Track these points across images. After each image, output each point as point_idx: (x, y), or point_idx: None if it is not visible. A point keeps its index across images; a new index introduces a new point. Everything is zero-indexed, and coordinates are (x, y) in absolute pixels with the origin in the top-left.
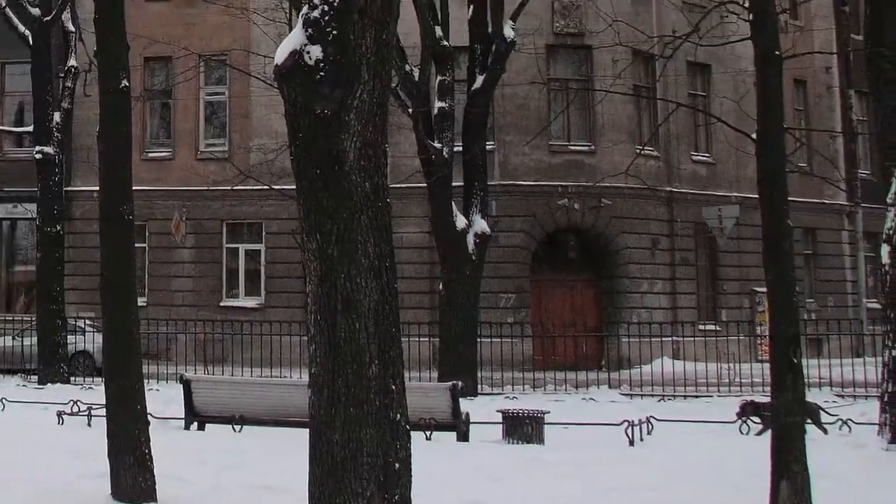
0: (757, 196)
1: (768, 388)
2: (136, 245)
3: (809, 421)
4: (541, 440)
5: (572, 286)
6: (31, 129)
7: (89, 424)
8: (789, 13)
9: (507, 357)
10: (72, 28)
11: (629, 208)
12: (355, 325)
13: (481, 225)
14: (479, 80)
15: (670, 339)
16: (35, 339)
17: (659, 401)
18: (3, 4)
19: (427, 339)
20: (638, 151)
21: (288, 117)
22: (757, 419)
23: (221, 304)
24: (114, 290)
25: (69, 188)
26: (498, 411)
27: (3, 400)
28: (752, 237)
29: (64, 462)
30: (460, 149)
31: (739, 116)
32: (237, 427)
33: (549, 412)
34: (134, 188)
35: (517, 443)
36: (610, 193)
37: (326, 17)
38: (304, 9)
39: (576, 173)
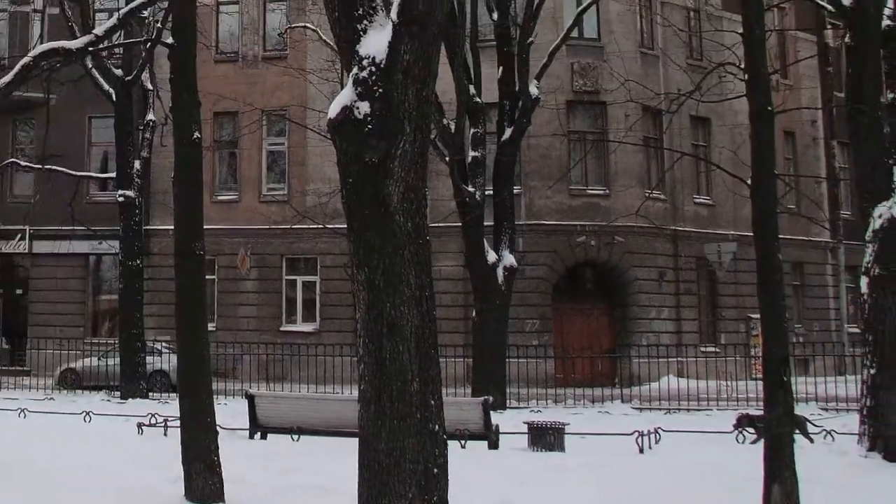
0: (752, 234)
1: (761, 403)
2: (207, 277)
3: (798, 432)
4: (562, 448)
5: (589, 313)
6: (114, 175)
7: (165, 434)
8: (780, 73)
9: (532, 375)
10: (150, 86)
11: (639, 245)
12: (399, 348)
13: (509, 259)
14: (508, 132)
15: (675, 359)
16: (118, 360)
17: (665, 414)
18: (90, 66)
19: (462, 359)
20: (647, 195)
21: (340, 165)
22: (752, 430)
23: (281, 328)
24: (187, 316)
25: (148, 227)
26: (524, 423)
27: (90, 413)
28: (748, 270)
29: (143, 467)
30: (491, 192)
31: (736, 164)
32: (295, 437)
33: (568, 424)
34: (205, 227)
35: (541, 451)
36: (622, 232)
37: (374, 77)
38: (354, 69)
39: (592, 214)
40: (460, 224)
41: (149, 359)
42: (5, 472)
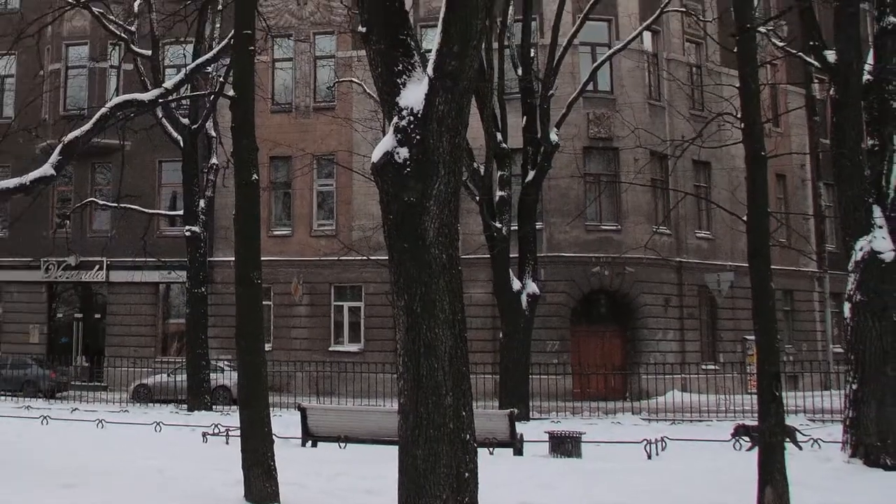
0: (747, 265)
1: (756, 415)
2: (264, 303)
3: (788, 440)
4: (579, 454)
5: (603, 335)
6: (181, 212)
7: (227, 442)
8: (772, 122)
9: (553, 390)
10: (214, 134)
11: (647, 274)
12: (434, 365)
13: (532, 287)
14: (531, 174)
15: (679, 375)
16: (185, 376)
17: (671, 424)
18: (161, 115)
19: (490, 375)
20: (654, 230)
21: (382, 203)
22: (747, 438)
23: (330, 349)
24: (246, 338)
25: (211, 258)
26: (545, 432)
27: (160, 423)
28: (744, 297)
29: (207, 472)
30: (516, 228)
31: (733, 203)
32: (342, 445)
33: (585, 433)
34: (262, 259)
35: (560, 457)
36: (632, 263)
37: (412, 126)
38: (395, 119)
39: (606, 247)
40: (489, 256)
41: (212, 375)
42: (84, 477)
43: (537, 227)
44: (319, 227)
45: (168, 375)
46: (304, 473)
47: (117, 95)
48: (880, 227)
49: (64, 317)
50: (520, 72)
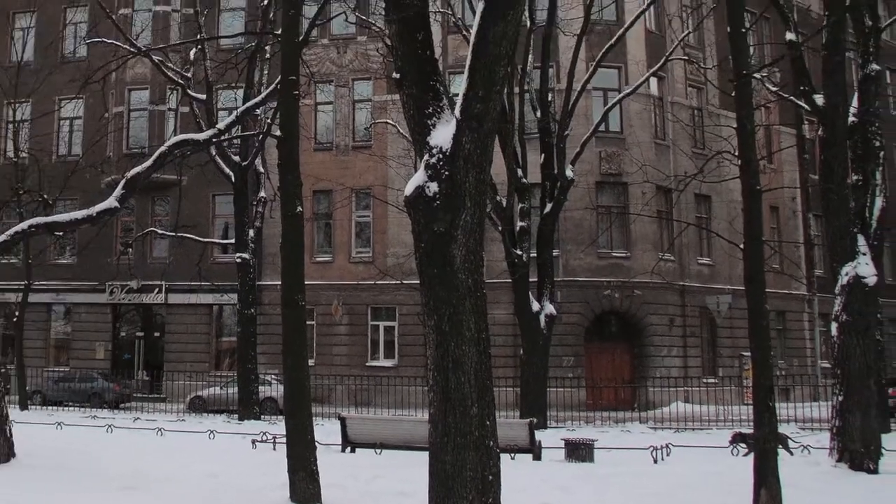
0: (744, 288)
1: (752, 423)
2: (307, 323)
3: (781, 446)
4: (592, 459)
5: (613, 351)
6: (233, 241)
7: (274, 449)
8: (766, 159)
9: (568, 401)
10: (262, 170)
11: (653, 297)
12: (461, 379)
13: (550, 308)
14: (549, 206)
15: (682, 388)
16: (236, 389)
17: (674, 432)
18: (214, 153)
19: (511, 388)
20: (660, 257)
21: (414, 233)
22: (744, 445)
23: (367, 364)
24: (291, 354)
25: (260, 282)
26: (562, 439)
27: (214, 431)
28: (741, 317)
29: (256, 475)
30: (535, 255)
31: (731, 232)
32: (378, 451)
33: (597, 440)
34: (305, 283)
35: (575, 462)
36: (640, 286)
37: (441, 163)
38: (425, 156)
39: (616, 272)
40: (510, 280)
41: (261, 388)
42: (144, 480)
43: (554, 254)
44: (357, 254)
45: (221, 388)
46: (344, 477)
47: (175, 135)
48: (864, 255)
49: (127, 335)
50: (538, 114)
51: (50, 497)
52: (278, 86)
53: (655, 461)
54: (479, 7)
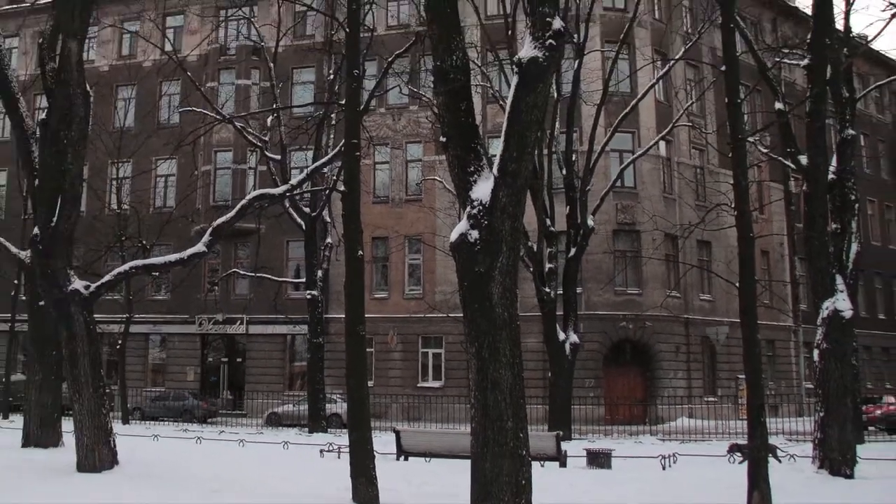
0: (739, 321)
1: (746, 436)
2: (367, 349)
3: (771, 455)
4: (609, 466)
5: (628, 374)
6: (304, 280)
7: (339, 457)
8: (758, 211)
9: (589, 416)
10: (328, 219)
11: (662, 328)
12: (498, 398)
13: (574, 338)
14: (573, 251)
15: (687, 406)
16: (306, 406)
17: (680, 443)
18: (288, 205)
19: (541, 405)
20: (667, 294)
21: (458, 273)
22: (739, 454)
23: (418, 385)
24: (354, 377)
25: (327, 315)
26: (584, 449)
27: (287, 442)
28: (736, 345)
29: (323, 480)
30: (561, 292)
31: (729, 273)
32: (428, 459)
33: (614, 450)
34: (366, 316)
35: (595, 468)
36: (650, 319)
37: (481, 213)
38: (468, 208)
39: (630, 307)
40: (540, 313)
41: (328, 405)
42: (228, 484)
43: (578, 291)
44: (410, 292)
45: (293, 405)
46: (398, 481)
47: (254, 190)
48: (842, 292)
49: (213, 360)
50: (564, 172)
51: (148, 498)
52: (342, 148)
53: (664, 468)
54: (514, 81)
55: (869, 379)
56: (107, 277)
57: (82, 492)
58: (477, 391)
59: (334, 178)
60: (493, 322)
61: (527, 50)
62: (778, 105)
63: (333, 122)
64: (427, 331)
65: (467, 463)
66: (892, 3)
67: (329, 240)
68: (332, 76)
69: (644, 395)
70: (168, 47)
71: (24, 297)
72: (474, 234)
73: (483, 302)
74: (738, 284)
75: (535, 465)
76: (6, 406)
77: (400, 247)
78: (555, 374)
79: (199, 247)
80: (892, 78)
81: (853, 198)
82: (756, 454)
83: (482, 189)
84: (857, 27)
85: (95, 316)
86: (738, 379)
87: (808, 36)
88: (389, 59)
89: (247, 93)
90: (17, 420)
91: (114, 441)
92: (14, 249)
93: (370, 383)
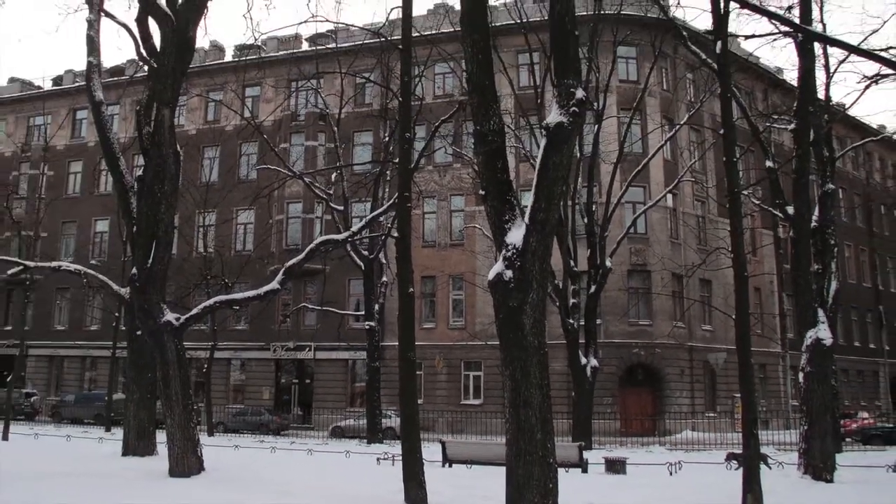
0: (735, 348)
1: (741, 446)
2: (416, 372)
3: (762, 463)
4: (624, 472)
5: (640, 393)
6: (363, 313)
7: (393, 464)
8: (751, 253)
9: (607, 429)
10: (384, 261)
11: (669, 354)
12: (529, 414)
13: (593, 362)
14: (593, 288)
15: (690, 420)
16: (365, 420)
17: (685, 452)
18: (349, 249)
19: (566, 419)
20: (674, 325)
21: (495, 307)
22: (735, 462)
23: (460, 402)
24: (405, 395)
25: (382, 343)
26: (603, 457)
27: (349, 451)
28: (733, 368)
29: (378, 484)
30: (583, 323)
31: (726, 307)
32: (469, 466)
33: (628, 458)
34: (416, 343)
35: (612, 474)
36: (659, 346)
37: (514, 256)
38: (503, 251)
39: (642, 336)
40: (565, 341)
41: (383, 420)
42: (298, 487)
43: (597, 322)
44: (453, 322)
45: (354, 420)
46: (444, 485)
47: (320, 236)
48: (823, 323)
49: (285, 381)
50: (585, 220)
51: (230, 499)
52: (396, 200)
53: (671, 474)
54: (542, 143)
55: (846, 397)
56: (195, 311)
57: (174, 494)
58: (511, 408)
59: (389, 225)
60: (525, 349)
61: (553, 116)
62: (768, 163)
63: (388, 177)
64: (468, 356)
65: (503, 469)
66: (866, 76)
67: (384, 278)
68: (387, 138)
69: (654, 411)
70: (247, 114)
71: (123, 328)
72: (509, 273)
73: (516, 332)
74: (734, 317)
75: (561, 471)
76: (109, 421)
77: (445, 284)
78: (577, 393)
79: (274, 284)
80: (867, 140)
81: (832, 242)
82: (750, 462)
83: (515, 235)
84: (836, 97)
85: (185, 343)
86: (734, 397)
87: (795, 104)
88: (436, 124)
89: (314, 153)
90: (118, 433)
91: (200, 451)
92: (115, 287)
93: (419, 401)
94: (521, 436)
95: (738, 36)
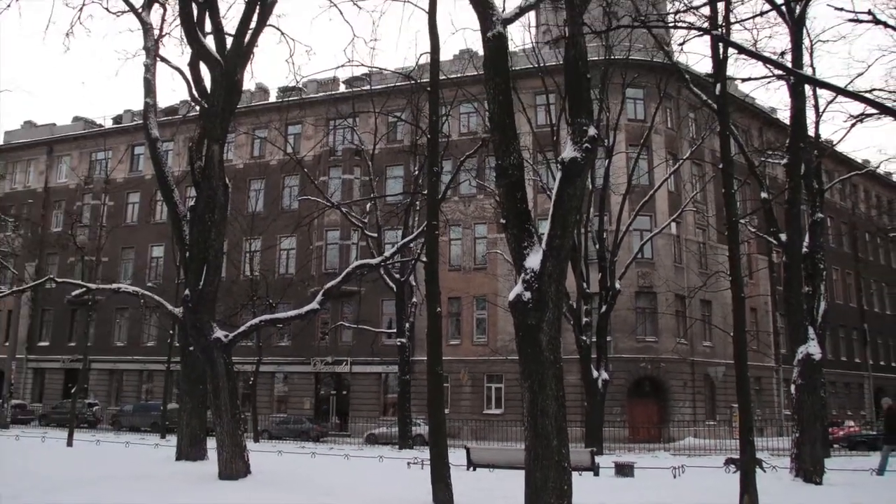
0: (733, 362)
1: (738, 452)
2: (443, 384)
3: (758, 467)
4: (633, 475)
5: (646, 403)
6: (394, 330)
7: (422, 468)
8: (748, 276)
9: (617, 436)
10: (414, 283)
11: (673, 368)
12: (546, 422)
13: (604, 375)
14: (604, 308)
15: (692, 428)
16: (396, 428)
17: (687, 457)
18: (382, 272)
19: (579, 427)
20: (678, 342)
21: (515, 325)
22: (733, 466)
23: (483, 412)
24: (433, 406)
25: (412, 358)
26: (613, 462)
27: (382, 457)
28: (731, 381)
29: (409, 486)
30: (595, 340)
31: (725, 325)
32: (491, 470)
33: (636, 462)
34: (443, 358)
35: (622, 477)
36: (664, 361)
37: (532, 279)
38: (522, 274)
39: (648, 351)
40: (578, 356)
41: (413, 428)
42: (336, 489)
43: (607, 339)
44: (477, 339)
45: (387, 428)
46: (468, 486)
47: (356, 261)
48: (812, 340)
49: (324, 393)
50: (597, 246)
51: (274, 500)
52: (425, 228)
53: (675, 476)
54: (558, 176)
55: (834, 407)
56: (242, 328)
57: (224, 494)
58: (529, 417)
59: (418, 251)
60: (542, 363)
61: (568, 152)
62: (763, 194)
63: (417, 207)
64: (490, 370)
65: (522, 472)
66: (852, 116)
67: (414, 299)
68: (416, 172)
69: (659, 419)
70: (289, 149)
71: (177, 344)
72: (527, 294)
73: (534, 348)
74: (732, 334)
75: (575, 474)
76: (164, 428)
77: (469, 305)
78: (589, 403)
79: (314, 304)
80: (852, 174)
81: (821, 267)
82: (746, 466)
83: (533, 260)
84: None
85: (233, 358)
86: (732, 407)
87: (787, 141)
88: (461, 159)
89: (350, 185)
90: (172, 440)
91: (247, 455)
92: (170, 307)
93: (446, 410)
94: (538, 442)
95: (735, 79)
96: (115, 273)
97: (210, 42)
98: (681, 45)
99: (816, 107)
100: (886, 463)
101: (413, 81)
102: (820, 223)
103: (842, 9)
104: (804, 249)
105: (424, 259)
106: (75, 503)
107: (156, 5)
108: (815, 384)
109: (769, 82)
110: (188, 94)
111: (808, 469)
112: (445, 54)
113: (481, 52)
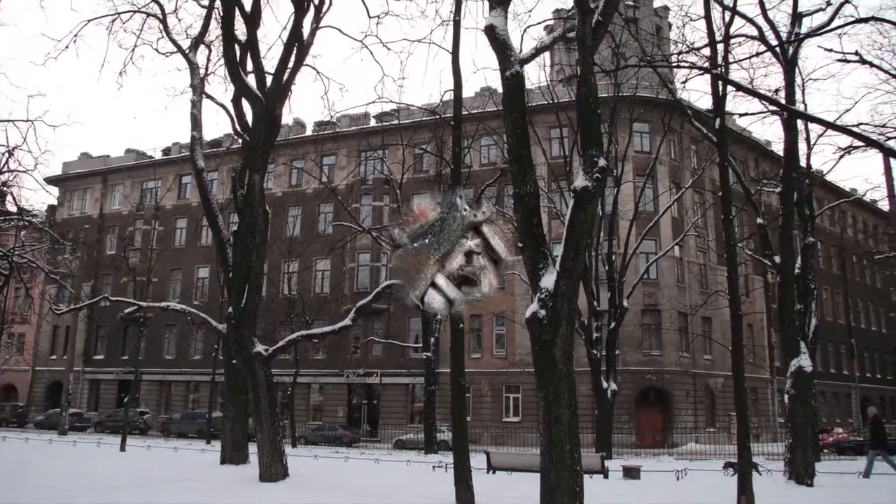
0: (731, 374)
1: (737, 456)
2: (466, 395)
3: (754, 470)
4: (639, 478)
5: (652, 412)
6: (421, 345)
7: (446, 471)
8: (745, 295)
9: (624, 442)
10: None
11: (676, 379)
12: (560, 429)
13: (613, 386)
14: (612, 324)
15: (693, 434)
16: (423, 435)
17: (690, 461)
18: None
19: (590, 433)
20: (680, 355)
21: (531, 340)
22: (732, 469)
23: (502, 420)
24: (456, 414)
25: (437, 370)
26: (621, 465)
27: (409, 461)
28: (729, 391)
29: (434, 487)
30: (605, 353)
31: (724, 340)
32: (510, 473)
33: (642, 466)
34: (465, 370)
35: (629, 479)
36: (668, 372)
37: (547, 298)
38: (537, 294)
39: (654, 364)
40: (589, 369)
41: (438, 434)
42: (367, 490)
43: (616, 353)
44: (496, 353)
45: (413, 434)
46: (488, 488)
47: (385, 281)
48: (804, 353)
49: (356, 402)
50: (606, 268)
51: (311, 500)
52: None
53: (678, 479)
54: (571, 204)
55: (824, 416)
56: (280, 343)
57: (265, 495)
58: (545, 424)
59: None
60: (556, 375)
61: (580, 181)
62: (759, 220)
63: None
64: (509, 381)
65: (538, 475)
66: (840, 148)
67: (439, 316)
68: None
69: (664, 426)
70: (324, 178)
71: (221, 358)
72: (542, 312)
73: (549, 361)
74: (730, 348)
75: (586, 477)
76: (209, 435)
77: (489, 321)
78: (600, 411)
79: (347, 321)
80: (841, 201)
81: (813, 286)
82: (743, 469)
83: (548, 280)
84: (816, 164)
85: (272, 370)
86: (730, 415)
87: (781, 171)
88: (482, 188)
89: (380, 211)
90: (217, 445)
91: (285, 460)
92: (214, 323)
93: (468, 418)
94: (552, 447)
95: (733, 114)
96: (164, 292)
97: (251, 80)
98: (683, 83)
99: (808, 140)
100: (872, 466)
101: (438, 116)
102: (811, 246)
103: (831, 50)
104: (797, 270)
105: None
106: (129, 503)
107: (202, 47)
108: (806, 394)
109: (764, 117)
110: (231, 128)
111: (801, 472)
112: (467, 91)
113: (500, 90)
